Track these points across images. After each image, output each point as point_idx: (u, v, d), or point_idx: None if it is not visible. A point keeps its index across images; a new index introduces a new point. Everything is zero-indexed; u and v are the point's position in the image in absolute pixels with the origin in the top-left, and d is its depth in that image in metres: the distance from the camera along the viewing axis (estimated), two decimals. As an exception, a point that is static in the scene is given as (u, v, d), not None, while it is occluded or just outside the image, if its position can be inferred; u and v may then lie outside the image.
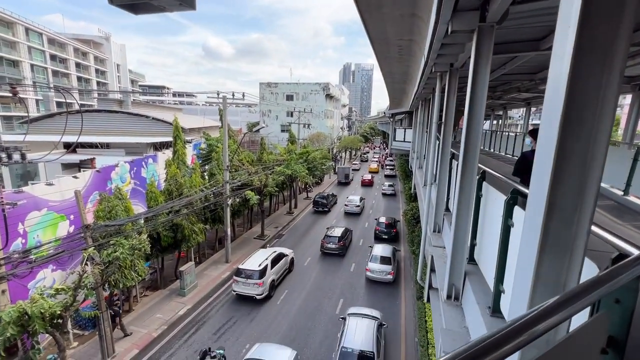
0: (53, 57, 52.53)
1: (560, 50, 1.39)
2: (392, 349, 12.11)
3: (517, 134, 15.49)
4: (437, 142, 8.64)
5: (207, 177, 18.84)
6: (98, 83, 63.44)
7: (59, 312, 8.46)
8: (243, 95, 20.01)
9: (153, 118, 28.17)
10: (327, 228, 22.29)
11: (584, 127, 1.33)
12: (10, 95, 8.34)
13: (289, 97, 52.72)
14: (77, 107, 23.67)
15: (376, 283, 16.71)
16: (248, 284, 14.58)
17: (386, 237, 22.00)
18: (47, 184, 11.87)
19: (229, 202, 17.80)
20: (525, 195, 2.66)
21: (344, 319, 11.80)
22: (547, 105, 1.50)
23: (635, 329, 1.15)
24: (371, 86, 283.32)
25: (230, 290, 16.13)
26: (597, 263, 1.63)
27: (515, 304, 1.77)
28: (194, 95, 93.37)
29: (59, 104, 50.20)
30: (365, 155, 71.09)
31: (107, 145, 24.07)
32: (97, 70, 63.27)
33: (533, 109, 21.49)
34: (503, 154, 16.05)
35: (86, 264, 9.46)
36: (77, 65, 57.99)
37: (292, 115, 47.27)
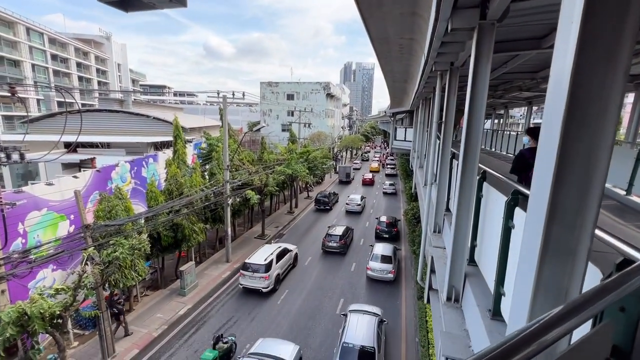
0: (54, 57, 52.62)
1: (562, 47, 1.34)
2: (392, 349, 12.08)
3: (519, 133, 15.40)
4: (438, 141, 8.58)
5: (207, 177, 18.82)
6: (99, 83, 63.52)
7: (58, 312, 8.45)
8: (243, 95, 19.97)
9: (154, 117, 28.18)
10: (329, 227, 22.38)
11: (587, 127, 1.28)
12: (9, 95, 8.31)
13: (290, 97, 52.66)
14: (77, 107, 23.67)
15: (377, 283, 16.68)
16: (254, 277, 15.08)
17: (387, 236, 22.02)
18: (47, 184, 11.86)
19: (230, 201, 17.78)
20: (526, 197, 2.61)
21: (345, 315, 11.94)
22: (548, 104, 1.45)
23: None
24: (372, 85, 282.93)
25: (230, 289, 16.16)
26: (601, 268, 1.58)
27: (516, 309, 1.72)
28: (194, 95, 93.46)
29: (60, 104, 50.27)
30: (366, 155, 70.99)
31: (107, 145, 24.09)
32: (98, 70, 63.36)
33: (534, 108, 21.38)
34: (504, 153, 15.97)
35: (86, 264, 9.44)
36: (78, 64, 58.08)
37: (292, 115, 47.18)
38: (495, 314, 3.02)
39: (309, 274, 17.77)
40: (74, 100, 27.63)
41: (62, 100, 48.55)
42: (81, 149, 22.45)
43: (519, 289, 1.66)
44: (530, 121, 21.09)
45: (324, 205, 29.54)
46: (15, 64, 46.11)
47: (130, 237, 11.05)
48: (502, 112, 26.05)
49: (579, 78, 1.26)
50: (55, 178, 12.93)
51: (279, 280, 16.22)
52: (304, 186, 34.61)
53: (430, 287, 6.07)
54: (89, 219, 11.57)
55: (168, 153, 18.53)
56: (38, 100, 49.34)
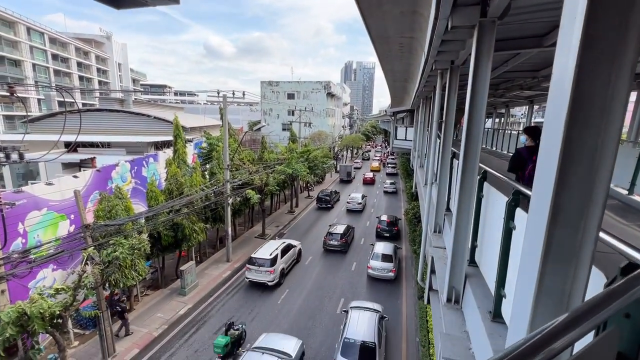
0: (55, 57, 52.67)
1: (565, 45, 1.30)
2: (393, 348, 12.06)
3: (520, 132, 15.33)
4: (438, 140, 8.53)
5: (207, 176, 18.81)
6: (100, 82, 63.56)
7: (58, 312, 8.44)
8: (243, 94, 19.94)
9: (154, 117, 28.16)
10: (330, 225, 22.56)
11: (591, 127, 1.24)
12: (8, 94, 8.29)
13: (290, 96, 52.58)
14: (77, 107, 23.68)
15: (377, 282, 16.66)
16: (260, 271, 15.60)
17: (388, 235, 22.08)
18: (47, 184, 11.86)
19: (230, 201, 17.77)
20: (527, 197, 2.56)
21: (347, 311, 12.17)
22: (551, 103, 1.41)
23: None
24: (373, 84, 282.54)
25: (231, 289, 16.18)
26: (604, 271, 1.54)
27: (518, 313, 1.68)
28: (195, 94, 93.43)
29: (61, 104, 50.34)
30: (366, 154, 70.93)
31: (108, 145, 24.09)
32: (98, 70, 63.39)
33: (536, 107, 21.29)
34: (505, 152, 15.91)
35: (86, 264, 9.44)
36: (79, 64, 58.12)
37: (293, 114, 47.13)
38: (496, 316, 2.98)
39: (309, 273, 17.75)
40: (73, 100, 27.60)
41: (63, 100, 48.64)
42: (81, 148, 22.46)
43: (521, 292, 1.63)
44: (532, 120, 21.01)
45: (326, 203, 29.94)
46: (16, 63, 46.17)
47: (130, 237, 11.05)
48: (503, 111, 25.95)
49: (582, 77, 1.22)
50: (55, 178, 12.93)
51: (283, 274, 16.66)
52: (304, 186, 34.59)
53: (430, 288, 6.04)
54: (89, 218, 11.56)
55: (168, 152, 18.52)
56: (39, 100, 49.40)
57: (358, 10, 6.18)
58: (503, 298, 2.90)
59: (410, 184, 29.50)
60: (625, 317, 1.09)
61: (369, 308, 12.19)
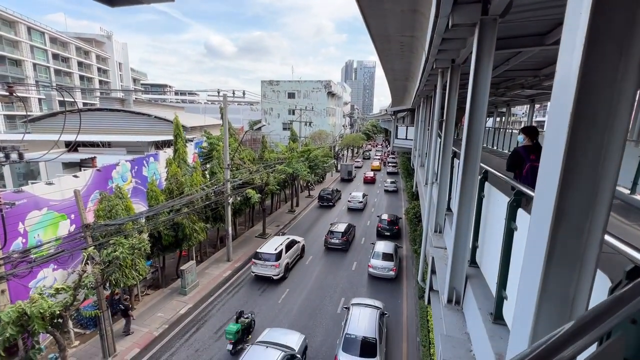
0: (55, 56, 52.69)
1: (570, 41, 1.26)
2: (394, 348, 12.04)
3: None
4: (439, 140, 8.49)
5: (208, 176, 18.80)
6: (100, 82, 63.59)
7: (58, 312, 8.44)
8: (243, 94, 19.91)
9: (155, 117, 28.15)
10: (331, 224, 22.74)
11: (597, 126, 1.20)
12: (7, 94, 8.27)
13: (291, 95, 52.51)
14: (79, 106, 23.67)
15: (378, 281, 16.64)
16: (266, 265, 16.14)
17: (388, 233, 22.13)
18: (47, 183, 11.85)
19: (230, 200, 17.76)
20: (529, 197, 2.52)
21: (348, 308, 12.38)
22: (554, 102, 1.37)
23: None
24: (373, 83, 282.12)
25: (232, 288, 16.17)
26: (609, 275, 1.50)
27: (520, 316, 1.65)
28: (195, 94, 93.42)
29: (62, 103, 50.42)
30: (367, 153, 70.87)
31: (108, 144, 24.09)
32: (99, 69, 63.41)
33: (537, 106, 21.20)
34: (507, 151, 15.84)
35: (86, 264, 9.43)
36: (80, 64, 58.14)
37: (293, 113, 47.08)
38: (497, 317, 2.95)
39: (309, 273, 17.73)
40: (74, 100, 27.62)
41: (63, 99, 48.69)
42: (82, 148, 22.47)
43: (523, 296, 1.59)
44: (533, 119, 20.92)
45: (327, 201, 30.30)
46: (17, 63, 46.20)
47: (130, 237, 11.04)
48: (504, 110, 25.87)
49: (588, 74, 1.18)
50: (55, 177, 12.92)
51: (288, 268, 17.14)
52: (304, 185, 34.58)
53: (431, 288, 6.00)
54: (90, 218, 11.55)
55: (169, 152, 18.51)
56: (40, 100, 49.47)
57: (358, 9, 6.15)
58: (504, 300, 2.86)
59: (410, 183, 29.46)
60: (632, 323, 1.06)
61: (370, 305, 12.39)
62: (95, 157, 18.70)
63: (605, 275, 1.51)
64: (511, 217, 2.77)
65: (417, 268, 13.51)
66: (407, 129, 28.06)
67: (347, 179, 42.71)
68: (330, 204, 30.32)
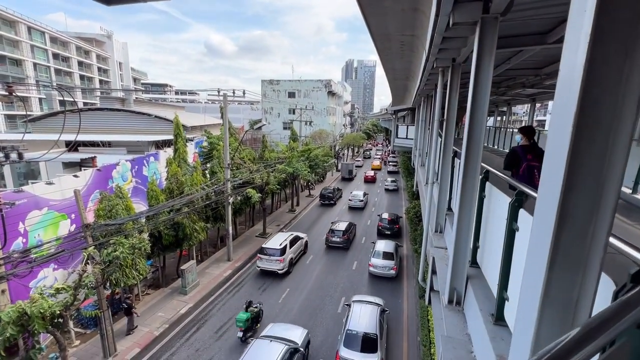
0: (56, 56, 52.69)
1: (573, 40, 1.24)
2: (394, 347, 12.03)
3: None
4: (439, 139, 8.45)
5: (208, 175, 18.79)
6: (100, 81, 63.59)
7: (59, 312, 8.44)
8: (244, 93, 19.88)
9: (155, 116, 28.11)
10: (332, 222, 22.94)
11: (601, 127, 1.17)
12: (7, 94, 8.25)
13: (291, 95, 52.46)
14: (78, 106, 23.64)
15: (379, 281, 16.63)
16: (271, 260, 16.65)
17: (389, 233, 22.18)
18: (48, 183, 11.84)
19: (231, 200, 17.75)
20: (531, 198, 2.50)
21: (349, 305, 12.55)
22: (558, 101, 1.34)
23: None
24: (374, 83, 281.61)
25: (232, 288, 16.18)
26: (613, 278, 1.47)
27: (522, 319, 1.62)
28: (196, 93, 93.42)
29: (62, 103, 50.45)
30: (367, 152, 70.82)
31: (108, 144, 24.08)
32: (99, 69, 63.40)
33: (538, 105, 21.13)
34: (507, 151, 15.78)
35: (87, 263, 9.42)
36: (80, 63, 58.14)
37: (294, 113, 47.03)
38: (499, 319, 2.92)
39: (310, 273, 17.72)
40: (74, 99, 27.61)
41: (63, 99, 48.70)
42: (82, 147, 22.47)
43: (525, 298, 1.57)
44: (534, 118, 20.87)
45: (329, 200, 30.76)
46: (17, 63, 46.21)
47: (130, 236, 11.03)
48: (505, 109, 25.77)
49: (592, 73, 1.16)
50: (56, 177, 12.91)
51: (292, 263, 17.62)
52: (305, 184, 34.57)
53: (431, 288, 5.98)
54: (90, 218, 11.55)
55: (169, 152, 18.50)
56: (40, 99, 49.47)
57: (359, 8, 6.11)
58: (506, 301, 2.83)
59: (411, 182, 29.42)
60: (638, 328, 1.03)
61: (371, 302, 12.54)
62: (95, 156, 18.69)
63: (608, 278, 1.48)
64: (512, 218, 2.74)
65: (418, 268, 13.49)
66: (407, 128, 27.98)
67: (348, 178, 42.80)
68: (332, 202, 30.74)
